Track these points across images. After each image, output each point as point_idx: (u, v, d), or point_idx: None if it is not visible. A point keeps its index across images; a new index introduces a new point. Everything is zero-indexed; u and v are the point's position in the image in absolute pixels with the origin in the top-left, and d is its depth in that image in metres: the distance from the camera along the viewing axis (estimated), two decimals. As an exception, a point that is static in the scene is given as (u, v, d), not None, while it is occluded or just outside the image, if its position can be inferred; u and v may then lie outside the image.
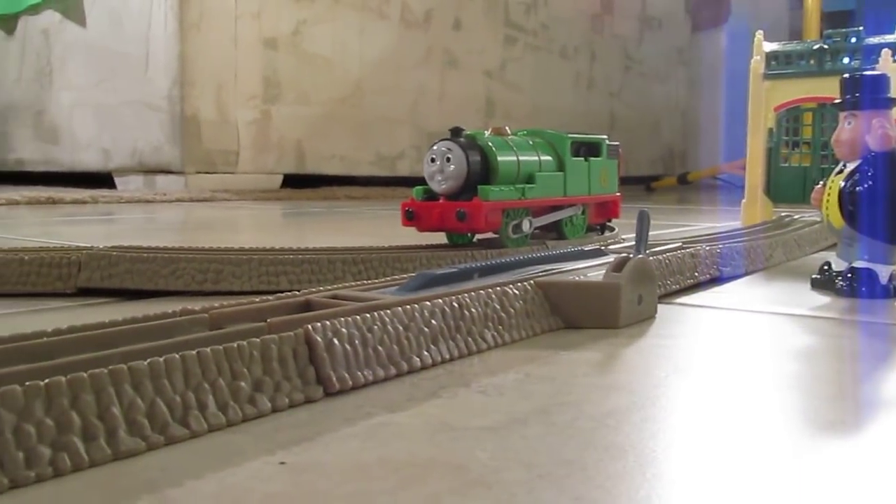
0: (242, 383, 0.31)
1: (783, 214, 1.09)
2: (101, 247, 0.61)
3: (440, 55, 2.58)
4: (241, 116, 2.14)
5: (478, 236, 0.76)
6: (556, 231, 0.79)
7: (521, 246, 0.72)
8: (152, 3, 2.06)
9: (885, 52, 1.03)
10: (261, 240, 1.16)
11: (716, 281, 0.68)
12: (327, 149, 2.33)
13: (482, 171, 0.70)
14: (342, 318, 0.36)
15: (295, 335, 0.34)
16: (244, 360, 0.32)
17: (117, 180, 2.22)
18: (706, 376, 0.38)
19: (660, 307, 0.55)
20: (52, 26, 2.34)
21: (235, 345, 0.31)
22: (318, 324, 0.35)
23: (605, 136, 0.84)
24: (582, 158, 0.80)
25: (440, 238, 0.75)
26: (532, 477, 0.25)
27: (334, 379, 0.34)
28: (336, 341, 0.35)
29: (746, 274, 0.73)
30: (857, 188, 0.61)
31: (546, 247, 0.73)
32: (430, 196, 0.71)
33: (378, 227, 1.33)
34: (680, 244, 0.69)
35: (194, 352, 0.30)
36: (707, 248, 0.68)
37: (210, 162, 2.11)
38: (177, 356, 0.30)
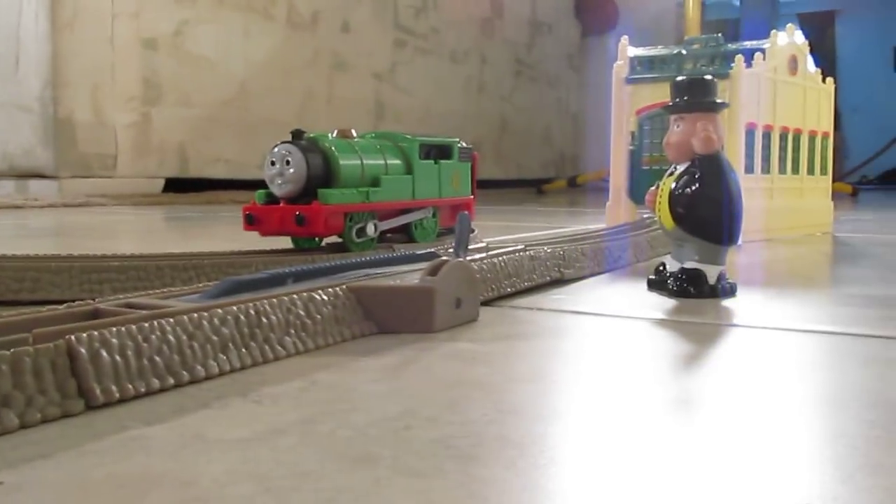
0: (-14, 399, 0.30)
1: (645, 216, 1.11)
2: None
3: (328, 57, 2.56)
4: (119, 119, 2.08)
5: (326, 240, 0.75)
6: (406, 234, 0.79)
7: (367, 250, 0.72)
8: (22, 0, 1.98)
9: (738, 57, 1.06)
10: (122, 245, 1.13)
11: (559, 283, 0.68)
12: (211, 152, 2.29)
13: (323, 175, 0.69)
14: (114, 328, 0.34)
15: (55, 346, 0.32)
16: (-11, 375, 0.30)
17: (-13, 185, 2.13)
18: (498, 382, 0.38)
19: (488, 310, 0.55)
20: (-84, 24, 2.23)
21: (-22, 358, 0.30)
22: (84, 334, 0.33)
23: (456, 139, 0.84)
24: (432, 161, 0.80)
25: (288, 242, 0.74)
26: (258, 491, 0.24)
27: (98, 391, 0.32)
28: (104, 352, 0.33)
29: (592, 275, 0.74)
30: (685, 190, 0.62)
31: (392, 250, 0.73)
32: (272, 200, 0.70)
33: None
34: (522, 246, 0.69)
35: (-74, 367, 0.28)
36: (548, 250, 0.69)
37: (86, 165, 2.04)
38: None
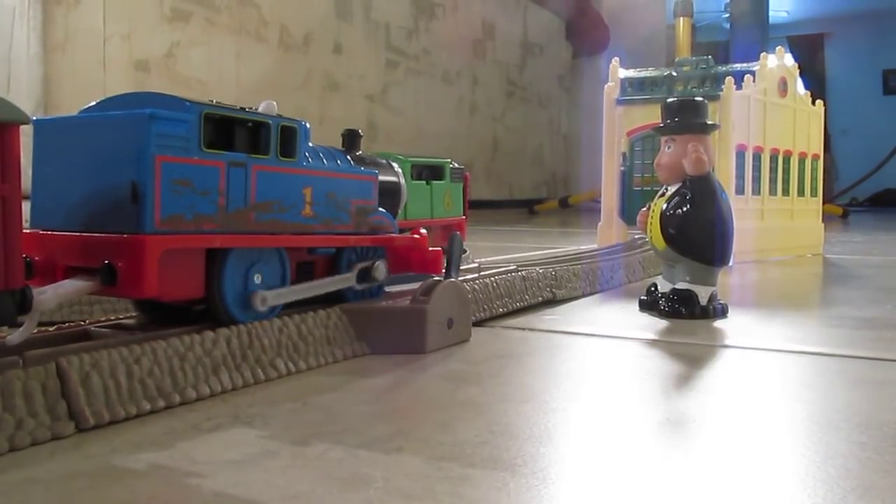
0: (-25, 421, 0.29)
1: (636, 237, 1.12)
2: None
3: (320, 78, 2.57)
4: (111, 140, 2.08)
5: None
6: (398, 255, 0.78)
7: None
8: (13, 22, 1.99)
9: (728, 79, 1.06)
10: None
11: (552, 303, 0.68)
12: (203, 173, 2.28)
13: (315, 196, 0.69)
14: (104, 351, 0.34)
15: (45, 369, 0.32)
16: (-22, 397, 0.30)
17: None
18: (490, 402, 0.38)
19: (480, 330, 0.55)
20: None
21: (-33, 381, 0.30)
22: (75, 357, 0.33)
23: (448, 160, 0.85)
24: (423, 182, 0.80)
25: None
26: (249, 513, 0.24)
27: (88, 414, 0.32)
28: (94, 375, 0.33)
29: (584, 296, 0.74)
30: (676, 211, 0.63)
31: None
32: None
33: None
34: (514, 266, 0.69)
35: (-85, 389, 0.28)
36: (540, 270, 0.69)
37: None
38: None
